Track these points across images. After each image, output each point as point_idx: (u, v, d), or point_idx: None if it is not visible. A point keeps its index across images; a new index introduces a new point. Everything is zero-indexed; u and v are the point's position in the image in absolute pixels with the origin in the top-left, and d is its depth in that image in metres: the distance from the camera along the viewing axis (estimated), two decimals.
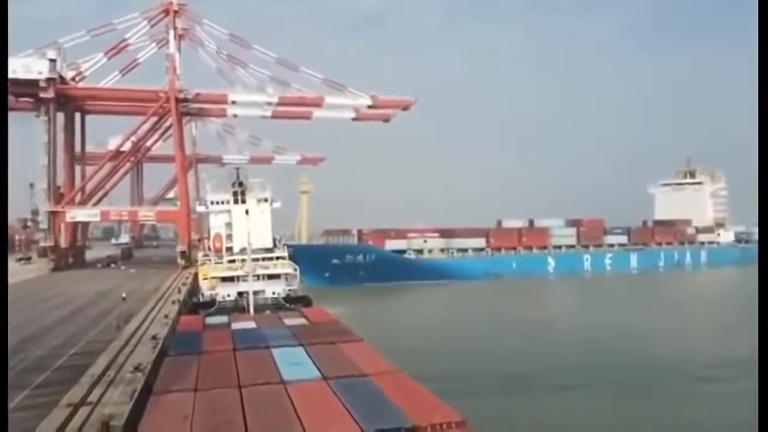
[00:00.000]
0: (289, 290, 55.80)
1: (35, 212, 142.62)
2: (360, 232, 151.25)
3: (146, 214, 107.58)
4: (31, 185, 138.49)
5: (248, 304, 50.05)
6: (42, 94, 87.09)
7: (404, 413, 19.65)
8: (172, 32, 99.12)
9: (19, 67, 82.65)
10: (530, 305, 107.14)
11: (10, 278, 54.86)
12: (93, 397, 22.03)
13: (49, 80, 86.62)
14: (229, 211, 71.61)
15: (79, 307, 48.28)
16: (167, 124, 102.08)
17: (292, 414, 20.24)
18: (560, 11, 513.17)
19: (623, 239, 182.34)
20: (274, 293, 54.90)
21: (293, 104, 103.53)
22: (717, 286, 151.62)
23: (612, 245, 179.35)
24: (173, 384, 23.73)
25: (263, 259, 60.51)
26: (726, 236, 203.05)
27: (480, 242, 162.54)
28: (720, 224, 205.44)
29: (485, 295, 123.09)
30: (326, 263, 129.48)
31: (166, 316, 40.66)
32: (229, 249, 68.46)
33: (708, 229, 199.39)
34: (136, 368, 25.65)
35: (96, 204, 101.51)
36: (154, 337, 32.92)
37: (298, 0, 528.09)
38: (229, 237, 70.43)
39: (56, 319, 42.07)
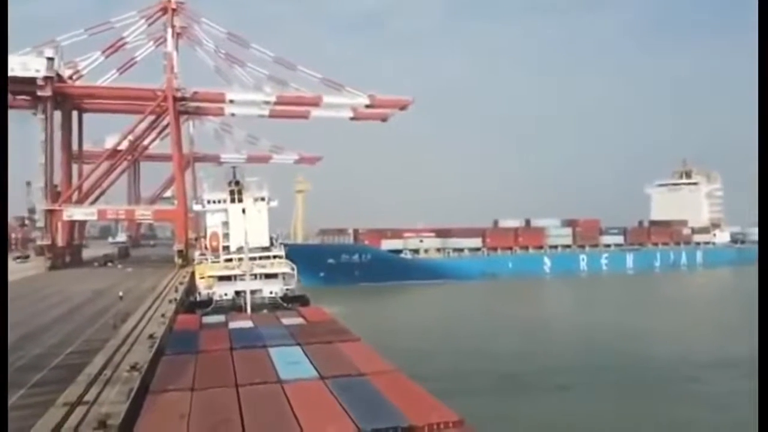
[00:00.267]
0: (287, 289, 55.78)
1: (32, 210, 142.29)
2: (356, 231, 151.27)
3: (143, 212, 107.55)
4: (28, 183, 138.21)
5: (245, 303, 50.01)
6: (39, 93, 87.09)
7: (401, 413, 19.65)
8: (170, 31, 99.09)
9: (16, 65, 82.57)
10: (526, 305, 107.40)
11: None
12: (90, 396, 21.96)
13: (46, 78, 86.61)
14: (225, 210, 71.59)
15: (76, 305, 48.22)
16: (165, 122, 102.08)
17: (289, 413, 20.22)
18: (560, 11, 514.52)
19: (619, 239, 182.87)
20: (271, 292, 54.87)
21: (291, 103, 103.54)
22: (713, 286, 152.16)
23: (608, 245, 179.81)
24: (170, 383, 23.69)
25: (260, 258, 60.50)
26: (722, 237, 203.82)
27: (476, 242, 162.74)
28: (716, 225, 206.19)
29: (481, 295, 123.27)
30: (322, 263, 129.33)
31: (163, 315, 40.61)
32: (226, 248, 68.43)
33: (704, 230, 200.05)
34: (133, 367, 25.61)
35: (93, 203, 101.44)
36: (150, 336, 32.89)
37: None
38: (226, 236, 70.41)
39: (53, 317, 42.01)
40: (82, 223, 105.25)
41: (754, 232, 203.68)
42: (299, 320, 40.63)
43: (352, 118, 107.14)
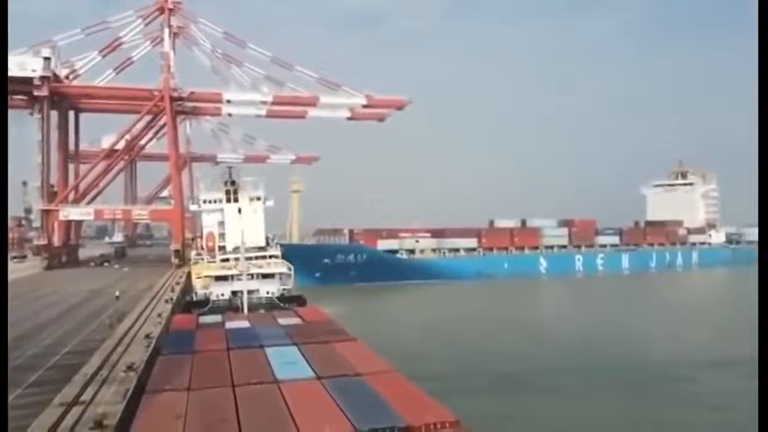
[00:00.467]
0: (284, 289, 55.71)
1: (28, 210, 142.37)
2: (351, 231, 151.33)
3: (140, 212, 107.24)
4: (24, 183, 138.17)
5: (242, 304, 49.97)
6: (36, 92, 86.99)
7: (398, 413, 19.68)
8: (166, 30, 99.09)
9: (13, 65, 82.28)
10: (521, 306, 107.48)
11: None
12: (86, 396, 21.95)
13: (43, 78, 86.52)
14: (221, 210, 71.53)
15: (72, 305, 48.14)
16: (161, 122, 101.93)
17: (285, 413, 20.23)
18: (559, 11, 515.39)
19: (615, 240, 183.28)
20: (268, 292, 54.79)
21: (288, 103, 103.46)
22: (709, 287, 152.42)
23: (604, 246, 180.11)
24: (166, 383, 23.67)
25: (256, 257, 60.43)
26: (717, 237, 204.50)
27: (472, 242, 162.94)
28: (711, 225, 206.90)
29: (476, 295, 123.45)
30: (317, 263, 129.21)
31: (159, 315, 40.58)
32: (222, 248, 68.34)
33: (699, 230, 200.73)
34: (129, 367, 25.57)
35: (89, 202, 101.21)
36: (147, 336, 32.84)
37: None
38: (222, 236, 70.32)
39: (49, 317, 41.94)
40: (79, 223, 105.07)
41: (749, 233, 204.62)
42: (296, 320, 40.60)
43: (349, 118, 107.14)
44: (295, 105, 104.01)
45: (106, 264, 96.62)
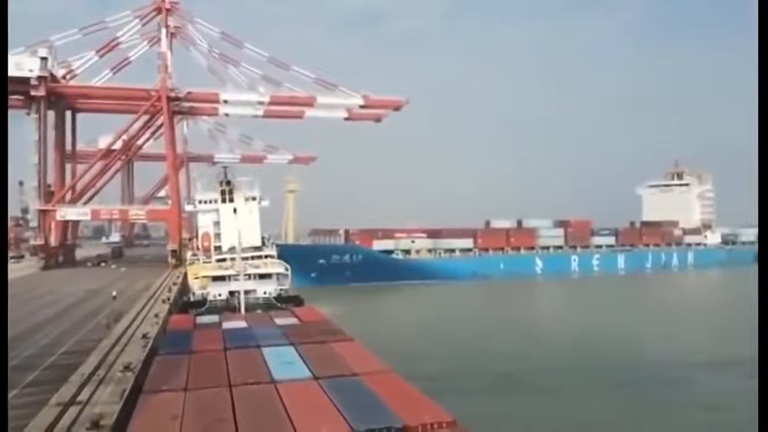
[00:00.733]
0: (281, 290, 55.68)
1: (25, 210, 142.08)
2: (347, 232, 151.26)
3: (137, 212, 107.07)
4: (21, 183, 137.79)
5: (239, 304, 49.96)
6: (33, 92, 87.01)
7: (395, 413, 19.72)
8: (164, 30, 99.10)
9: (10, 65, 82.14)
10: (517, 306, 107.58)
11: None
12: (83, 397, 21.93)
13: (40, 78, 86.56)
14: (217, 210, 71.50)
15: (69, 305, 48.07)
16: (158, 122, 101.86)
17: (282, 413, 20.26)
18: (558, 11, 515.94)
19: (611, 240, 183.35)
20: (265, 293, 54.75)
21: (285, 103, 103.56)
22: (705, 288, 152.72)
23: (600, 246, 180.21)
24: (163, 383, 23.69)
25: (252, 257, 60.42)
26: (713, 238, 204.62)
27: (467, 243, 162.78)
28: (707, 226, 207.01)
29: (472, 295, 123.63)
30: (313, 263, 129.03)
31: (156, 315, 40.53)
32: (218, 248, 68.33)
33: (695, 231, 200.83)
34: (126, 367, 25.57)
35: (86, 203, 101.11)
36: (144, 336, 32.82)
37: None
38: (218, 236, 70.31)
39: (46, 317, 41.88)
40: (76, 223, 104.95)
41: (744, 233, 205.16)
42: (293, 320, 40.61)
43: (346, 119, 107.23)
44: (292, 105, 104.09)
45: (103, 264, 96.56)
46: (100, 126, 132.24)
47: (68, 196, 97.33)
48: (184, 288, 60.82)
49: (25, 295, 54.49)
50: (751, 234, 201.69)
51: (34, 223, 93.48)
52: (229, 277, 53.99)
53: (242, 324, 38.72)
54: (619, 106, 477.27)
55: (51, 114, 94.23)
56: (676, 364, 58.81)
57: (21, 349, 30.71)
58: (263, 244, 69.24)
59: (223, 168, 77.48)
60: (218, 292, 53.92)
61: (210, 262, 62.08)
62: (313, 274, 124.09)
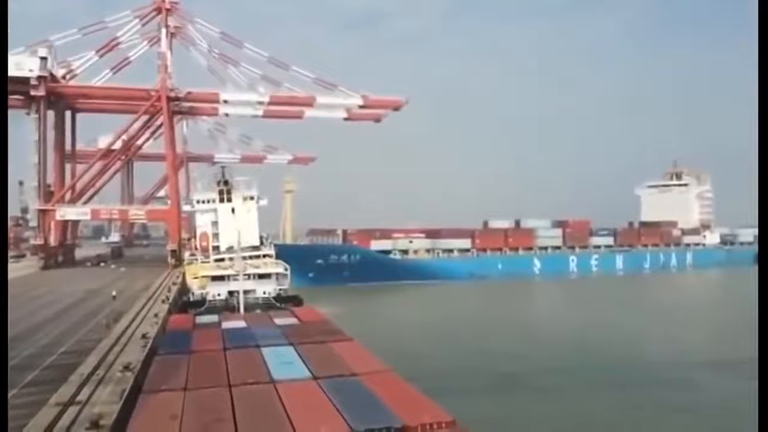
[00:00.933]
0: (280, 290, 55.76)
1: (24, 210, 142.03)
2: (345, 232, 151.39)
3: (137, 212, 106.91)
4: (20, 183, 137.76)
5: (239, 304, 49.99)
6: (33, 92, 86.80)
7: (394, 413, 19.75)
8: (163, 30, 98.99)
9: (10, 65, 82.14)
10: (515, 307, 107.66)
11: None
12: (82, 396, 21.92)
13: (39, 78, 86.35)
14: (215, 210, 71.48)
15: (69, 305, 48.03)
16: (158, 122, 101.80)
17: (282, 413, 20.29)
18: (558, 11, 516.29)
19: (609, 240, 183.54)
20: (265, 293, 54.83)
21: (285, 103, 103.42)
22: (703, 288, 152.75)
23: (598, 246, 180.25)
24: (163, 383, 23.71)
25: (250, 257, 60.43)
26: (711, 238, 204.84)
27: (466, 243, 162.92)
28: (705, 226, 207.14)
29: (470, 295, 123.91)
30: (311, 263, 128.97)
31: (156, 315, 40.51)
32: (216, 248, 68.32)
33: (693, 231, 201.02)
34: (126, 367, 25.57)
35: (86, 202, 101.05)
36: (143, 336, 32.82)
37: None
38: (216, 236, 70.30)
39: (45, 317, 41.85)
40: (75, 222, 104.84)
41: (743, 234, 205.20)
42: (292, 320, 40.62)
43: (345, 119, 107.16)
44: (291, 105, 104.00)
45: (102, 264, 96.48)
46: (100, 126, 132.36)
47: (68, 196, 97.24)
48: (184, 288, 60.79)
49: (25, 295, 54.43)
50: (749, 234, 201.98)
51: (33, 223, 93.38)
52: (229, 276, 54.08)
53: (242, 324, 38.73)
54: (619, 106, 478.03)
55: (51, 114, 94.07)
56: (674, 364, 58.91)
57: (20, 348, 30.68)
58: (261, 243, 69.26)
59: (221, 168, 77.51)
60: (217, 291, 53.99)
61: (208, 262, 62.09)
62: (310, 274, 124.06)
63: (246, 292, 51.76)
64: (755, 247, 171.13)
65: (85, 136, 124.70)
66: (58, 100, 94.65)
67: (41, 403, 21.11)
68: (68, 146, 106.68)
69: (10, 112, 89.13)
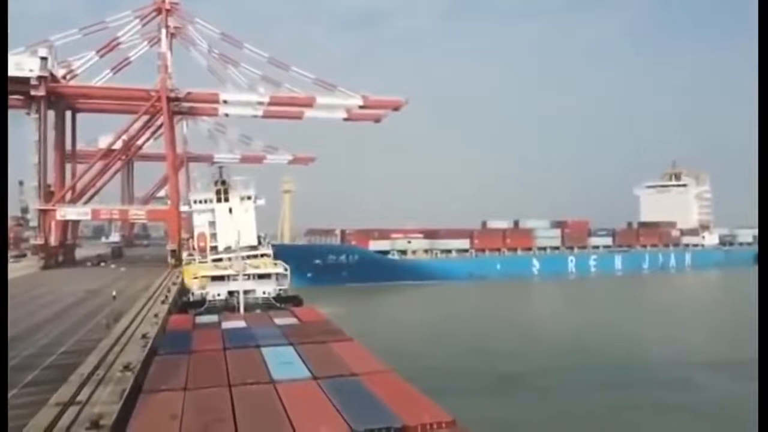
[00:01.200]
0: (280, 290, 55.73)
1: (25, 210, 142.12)
2: (343, 232, 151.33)
3: (137, 212, 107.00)
4: (21, 183, 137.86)
5: (238, 304, 49.98)
6: (33, 92, 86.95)
7: (394, 413, 19.76)
8: (164, 31, 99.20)
9: (10, 65, 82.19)
10: (513, 307, 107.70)
11: None
12: (82, 396, 21.95)
13: (40, 78, 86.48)
14: (212, 210, 71.44)
15: (69, 305, 48.06)
16: (158, 122, 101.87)
17: (281, 413, 20.30)
18: (558, 11, 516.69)
19: (608, 241, 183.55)
20: (264, 293, 54.79)
21: (284, 104, 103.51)
22: (702, 289, 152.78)
23: (597, 247, 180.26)
24: (163, 383, 23.71)
25: (248, 257, 60.41)
26: (710, 239, 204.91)
27: (464, 243, 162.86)
28: (704, 226, 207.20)
29: (468, 296, 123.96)
30: (309, 263, 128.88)
31: (156, 315, 40.54)
32: (214, 248, 68.29)
33: (692, 232, 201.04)
34: (126, 367, 25.61)
35: (86, 202, 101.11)
36: (143, 336, 32.87)
37: None
38: (213, 236, 70.28)
39: (45, 317, 41.86)
40: (76, 222, 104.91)
41: (742, 234, 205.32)
42: (292, 320, 40.58)
43: (345, 119, 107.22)
44: (291, 105, 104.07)
45: (102, 264, 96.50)
46: (100, 126, 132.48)
47: (68, 196, 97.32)
48: (184, 288, 60.78)
49: (25, 295, 54.46)
50: (748, 235, 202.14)
51: (34, 223, 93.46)
52: (229, 277, 54.02)
53: (241, 324, 38.70)
54: (619, 106, 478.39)
55: (51, 114, 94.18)
56: (674, 364, 58.96)
57: (20, 348, 30.71)
58: (259, 243, 69.25)
59: (219, 168, 77.53)
60: (217, 291, 53.94)
61: (206, 262, 62.04)
62: (309, 275, 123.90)
63: (246, 292, 51.70)
64: (754, 248, 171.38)
65: (85, 136, 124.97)
66: (59, 100, 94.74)
67: (41, 403, 21.12)
68: (68, 146, 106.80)
69: (10, 112, 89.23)
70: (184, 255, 72.50)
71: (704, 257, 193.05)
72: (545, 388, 50.47)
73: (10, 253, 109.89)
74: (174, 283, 62.20)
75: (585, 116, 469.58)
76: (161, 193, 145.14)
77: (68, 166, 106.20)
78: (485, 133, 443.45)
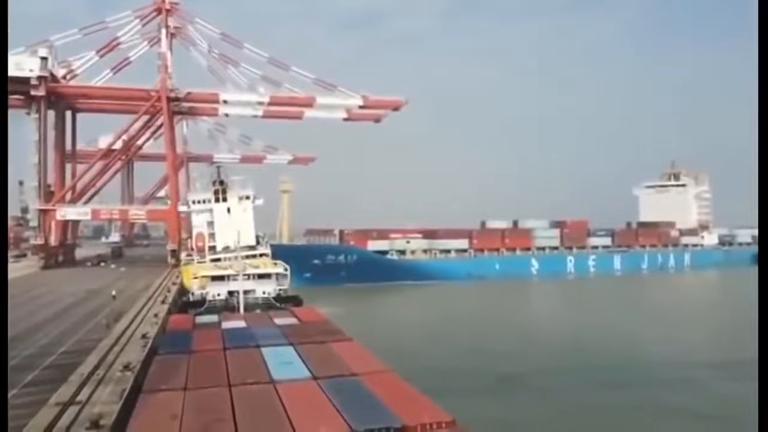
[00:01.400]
0: (280, 290, 55.69)
1: (25, 210, 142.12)
2: (342, 232, 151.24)
3: (137, 212, 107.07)
4: (21, 183, 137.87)
5: (238, 304, 49.96)
6: (33, 92, 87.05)
7: (394, 413, 19.78)
8: (164, 31, 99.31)
9: (10, 65, 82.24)
10: (512, 308, 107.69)
11: None
12: (82, 396, 21.97)
13: (40, 78, 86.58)
14: (210, 210, 71.44)
15: (69, 305, 48.09)
16: (158, 122, 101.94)
17: (281, 413, 20.31)
18: (558, 11, 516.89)
19: (607, 241, 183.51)
20: (264, 293, 54.76)
21: (284, 104, 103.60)
22: (701, 289, 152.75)
23: (596, 247, 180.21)
24: (163, 383, 23.72)
25: (246, 257, 60.40)
26: (709, 239, 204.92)
27: (463, 243, 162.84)
28: (704, 226, 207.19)
29: (467, 296, 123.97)
30: (307, 263, 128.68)
31: (156, 315, 40.56)
32: (212, 248, 68.26)
33: (691, 232, 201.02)
34: (126, 367, 25.63)
35: (86, 202, 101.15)
36: (143, 336, 32.89)
37: None
38: (212, 236, 70.26)
39: (45, 317, 41.89)
40: (76, 222, 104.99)
41: (741, 234, 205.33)
42: (292, 320, 40.58)
43: (345, 119, 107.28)
44: (291, 105, 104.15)
45: (102, 264, 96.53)
46: (100, 126, 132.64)
47: (68, 196, 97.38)
48: (184, 288, 60.78)
49: (25, 295, 54.48)
50: (748, 235, 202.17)
51: (34, 223, 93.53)
52: (229, 276, 53.99)
53: (241, 324, 38.69)
54: (619, 106, 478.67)
55: (51, 114, 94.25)
56: (673, 364, 58.97)
57: (20, 348, 30.73)
58: (258, 242, 69.25)
59: (217, 167, 77.55)
60: (217, 291, 53.90)
61: (204, 263, 62.00)
62: (307, 275, 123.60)
63: (246, 292, 51.68)
64: (753, 248, 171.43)
65: (85, 136, 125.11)
66: (59, 100, 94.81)
67: (41, 402, 21.14)
68: (68, 146, 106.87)
69: (11, 112, 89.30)
70: (183, 255, 72.45)
71: (703, 257, 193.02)
72: (545, 388, 50.49)
73: (11, 253, 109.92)
74: (174, 283, 62.21)
75: (585, 116, 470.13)
76: (161, 193, 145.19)
77: (68, 166, 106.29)
78: (485, 133, 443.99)
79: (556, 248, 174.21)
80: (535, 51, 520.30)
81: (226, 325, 38.17)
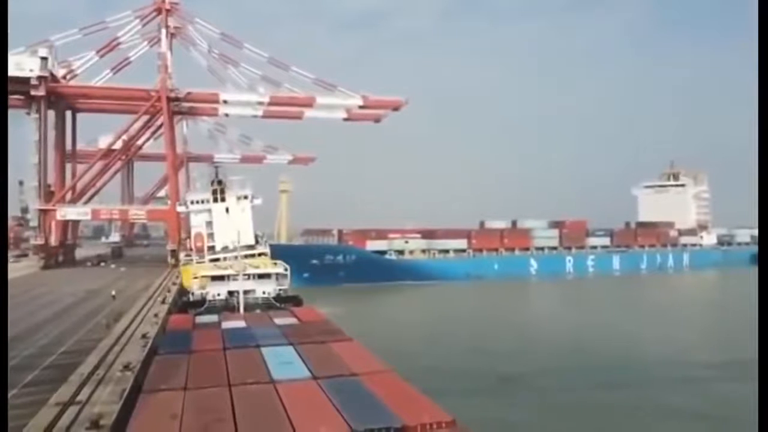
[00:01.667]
0: (280, 290, 55.68)
1: (25, 210, 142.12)
2: (340, 232, 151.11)
3: (137, 212, 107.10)
4: (21, 183, 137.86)
5: (238, 303, 49.97)
6: (33, 92, 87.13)
7: (394, 413, 19.79)
8: (164, 31, 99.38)
9: (10, 65, 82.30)
10: (511, 308, 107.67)
11: None
12: (82, 396, 21.99)
13: (40, 78, 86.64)
14: (209, 210, 71.43)
15: (69, 305, 48.11)
16: (158, 122, 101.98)
17: (281, 413, 20.32)
18: (559, 11, 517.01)
19: (606, 241, 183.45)
20: (264, 293, 54.75)
21: (284, 104, 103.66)
22: (700, 289, 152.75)
23: (595, 247, 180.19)
24: (163, 383, 23.73)
25: (245, 256, 60.42)
26: (708, 239, 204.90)
27: (462, 243, 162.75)
28: (702, 226, 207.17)
29: (466, 296, 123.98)
30: (306, 263, 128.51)
31: (156, 315, 40.58)
32: (211, 248, 68.24)
33: (690, 232, 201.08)
34: (126, 367, 25.65)
35: (87, 202, 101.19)
36: (143, 336, 32.92)
37: None
38: (211, 236, 70.26)
39: (45, 317, 41.90)
40: (76, 222, 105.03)
41: (740, 234, 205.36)
42: (292, 320, 40.58)
43: (345, 119, 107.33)
44: (291, 105, 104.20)
45: (102, 264, 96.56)
46: (100, 126, 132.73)
47: (68, 196, 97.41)
48: (184, 288, 60.77)
49: (25, 295, 54.49)
50: (747, 235, 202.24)
51: (34, 223, 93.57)
52: (228, 276, 53.97)
53: (241, 324, 38.69)
54: (619, 107, 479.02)
55: (51, 114, 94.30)
56: (672, 364, 58.97)
57: (20, 348, 30.74)
58: (257, 242, 69.25)
59: (215, 167, 77.60)
60: (217, 291, 53.89)
61: (203, 263, 61.99)
62: (305, 275, 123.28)
63: (246, 292, 51.69)
64: (752, 248, 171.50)
65: (85, 136, 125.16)
66: (59, 100, 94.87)
67: (41, 403, 21.15)
68: (68, 146, 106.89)
69: (11, 112, 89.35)
70: (182, 255, 72.46)
71: (702, 257, 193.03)
72: (544, 388, 50.50)
73: (11, 253, 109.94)
74: (174, 283, 62.24)
75: (585, 116, 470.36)
76: (161, 193, 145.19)
77: (68, 166, 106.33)
78: (485, 133, 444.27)
79: (554, 248, 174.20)
80: (535, 51, 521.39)
81: (226, 325, 38.16)
